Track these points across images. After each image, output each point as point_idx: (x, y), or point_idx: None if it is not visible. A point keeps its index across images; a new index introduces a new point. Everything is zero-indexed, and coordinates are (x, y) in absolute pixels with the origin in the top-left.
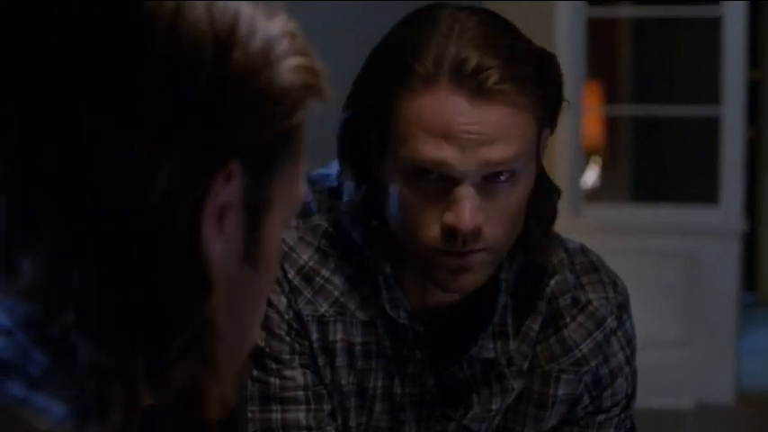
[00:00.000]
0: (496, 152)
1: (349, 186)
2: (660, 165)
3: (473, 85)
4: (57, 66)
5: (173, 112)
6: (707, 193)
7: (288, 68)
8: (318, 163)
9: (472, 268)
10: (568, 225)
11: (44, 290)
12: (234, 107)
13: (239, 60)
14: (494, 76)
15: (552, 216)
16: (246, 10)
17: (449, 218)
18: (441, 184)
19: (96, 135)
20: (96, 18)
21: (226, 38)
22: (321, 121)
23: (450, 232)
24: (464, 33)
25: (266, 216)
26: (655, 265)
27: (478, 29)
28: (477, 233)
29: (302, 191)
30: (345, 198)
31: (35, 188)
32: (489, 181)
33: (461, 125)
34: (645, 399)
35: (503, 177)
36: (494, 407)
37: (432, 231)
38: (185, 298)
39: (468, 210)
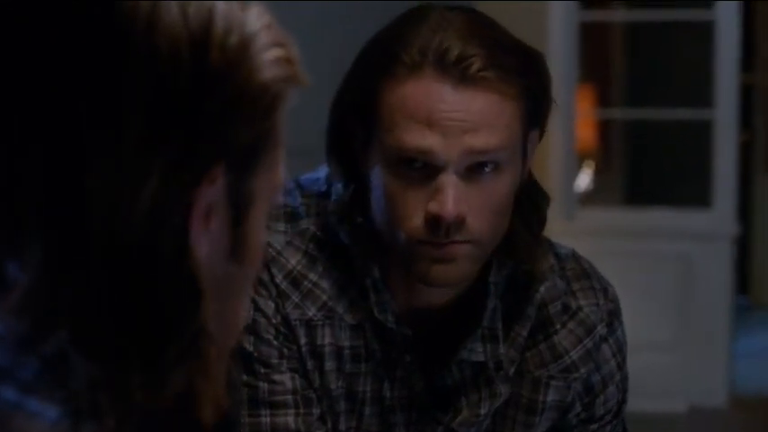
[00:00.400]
0: (480, 140)
1: (337, 187)
2: (653, 168)
3: (457, 72)
4: (41, 75)
5: (157, 119)
6: (700, 197)
7: (267, 63)
8: (310, 166)
9: (455, 259)
10: (562, 229)
11: (34, 305)
12: (216, 108)
13: (217, 60)
14: (477, 64)
15: (541, 222)
16: (221, 7)
17: (432, 206)
18: (425, 172)
19: (82, 144)
20: (76, 23)
21: (202, 38)
22: (312, 122)
23: (434, 221)
24: (450, 26)
25: (250, 209)
26: (648, 268)
27: (464, 23)
28: (460, 222)
29: (282, 177)
30: (333, 198)
31: (20, 200)
32: (473, 171)
33: (445, 112)
34: (638, 402)
35: (487, 168)
36: (482, 411)
37: (415, 221)
38: (179, 305)
39: (450, 197)
